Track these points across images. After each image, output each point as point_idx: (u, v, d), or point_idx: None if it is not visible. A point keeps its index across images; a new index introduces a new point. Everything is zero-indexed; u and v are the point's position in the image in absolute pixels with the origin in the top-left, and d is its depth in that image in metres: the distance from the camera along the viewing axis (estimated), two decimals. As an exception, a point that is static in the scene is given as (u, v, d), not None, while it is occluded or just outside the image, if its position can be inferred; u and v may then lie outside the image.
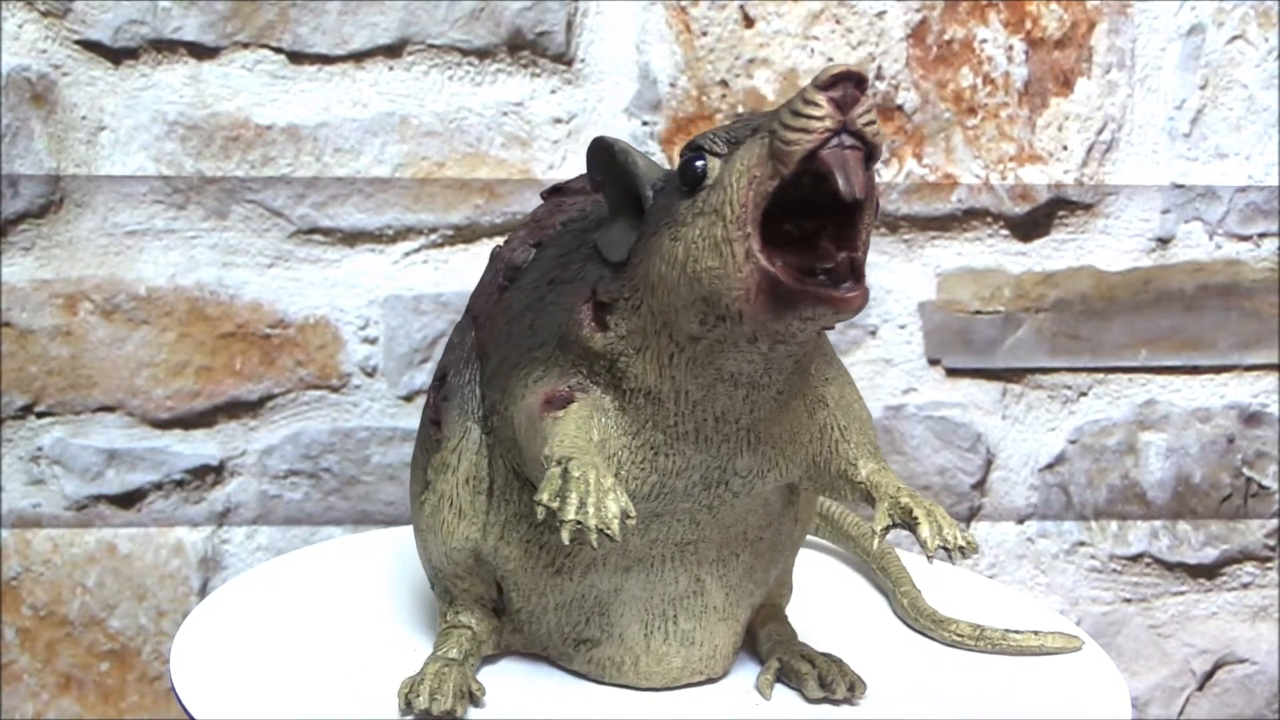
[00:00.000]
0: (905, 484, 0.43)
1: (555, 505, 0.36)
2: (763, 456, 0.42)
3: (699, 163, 0.38)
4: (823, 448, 0.43)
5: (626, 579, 0.44)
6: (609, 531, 0.36)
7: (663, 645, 0.45)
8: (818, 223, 0.37)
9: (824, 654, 0.47)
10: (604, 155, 0.41)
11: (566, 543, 0.36)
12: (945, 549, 0.40)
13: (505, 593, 0.46)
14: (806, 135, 0.35)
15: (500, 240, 0.55)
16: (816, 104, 0.35)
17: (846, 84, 0.35)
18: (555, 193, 0.48)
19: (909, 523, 0.41)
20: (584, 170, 0.45)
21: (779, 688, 0.47)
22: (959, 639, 0.51)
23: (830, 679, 0.45)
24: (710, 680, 0.47)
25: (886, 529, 0.41)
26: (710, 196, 0.38)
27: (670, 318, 0.39)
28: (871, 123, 0.36)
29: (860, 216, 0.37)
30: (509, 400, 0.43)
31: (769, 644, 0.48)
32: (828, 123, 0.35)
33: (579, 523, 0.36)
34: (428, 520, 0.46)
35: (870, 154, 0.36)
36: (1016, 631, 0.51)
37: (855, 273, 0.37)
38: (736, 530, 0.45)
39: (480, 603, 0.47)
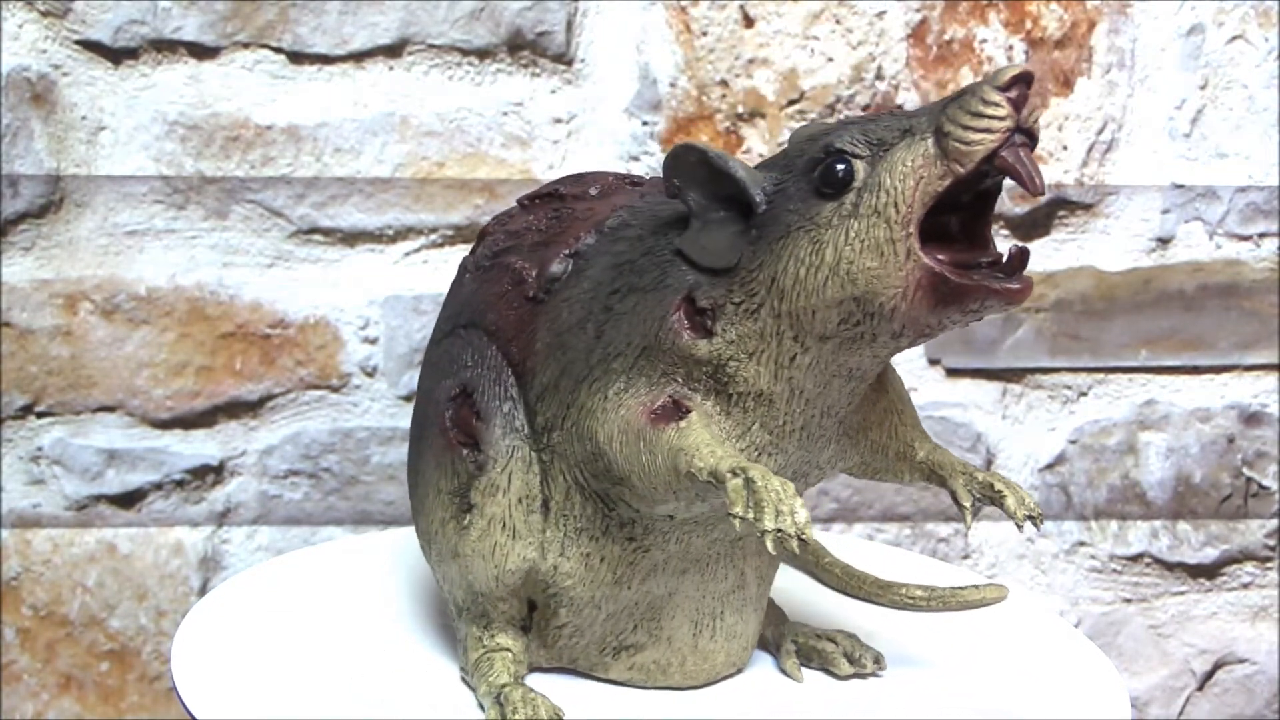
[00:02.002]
0: (961, 459, 0.44)
1: (751, 515, 0.37)
2: (841, 447, 0.43)
3: (841, 165, 0.38)
4: (882, 432, 0.44)
5: (682, 581, 0.45)
6: (804, 536, 0.36)
7: (709, 642, 0.46)
8: (948, 217, 0.38)
9: (838, 631, 0.48)
10: (692, 160, 0.40)
11: (771, 551, 0.36)
12: (1030, 517, 0.42)
13: (547, 609, 0.46)
14: (989, 135, 0.36)
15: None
16: (998, 104, 0.36)
17: (1021, 84, 0.36)
18: (546, 199, 0.47)
19: (992, 497, 0.42)
20: (583, 171, 0.45)
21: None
22: (910, 601, 0.53)
23: (857, 655, 0.47)
24: (738, 671, 0.48)
25: (975, 504, 0.43)
26: (866, 198, 0.38)
27: (803, 319, 0.39)
28: (1037, 120, 0.37)
29: (992, 209, 0.38)
30: (584, 415, 0.42)
31: (771, 628, 0.49)
32: (1008, 122, 0.36)
33: (779, 530, 0.36)
34: (474, 545, 0.44)
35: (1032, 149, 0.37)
36: (961, 588, 0.52)
37: (1022, 264, 0.38)
38: None
39: (512, 623, 0.46)
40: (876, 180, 0.38)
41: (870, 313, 0.38)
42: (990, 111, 0.36)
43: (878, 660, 0.48)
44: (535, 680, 0.47)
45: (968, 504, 0.43)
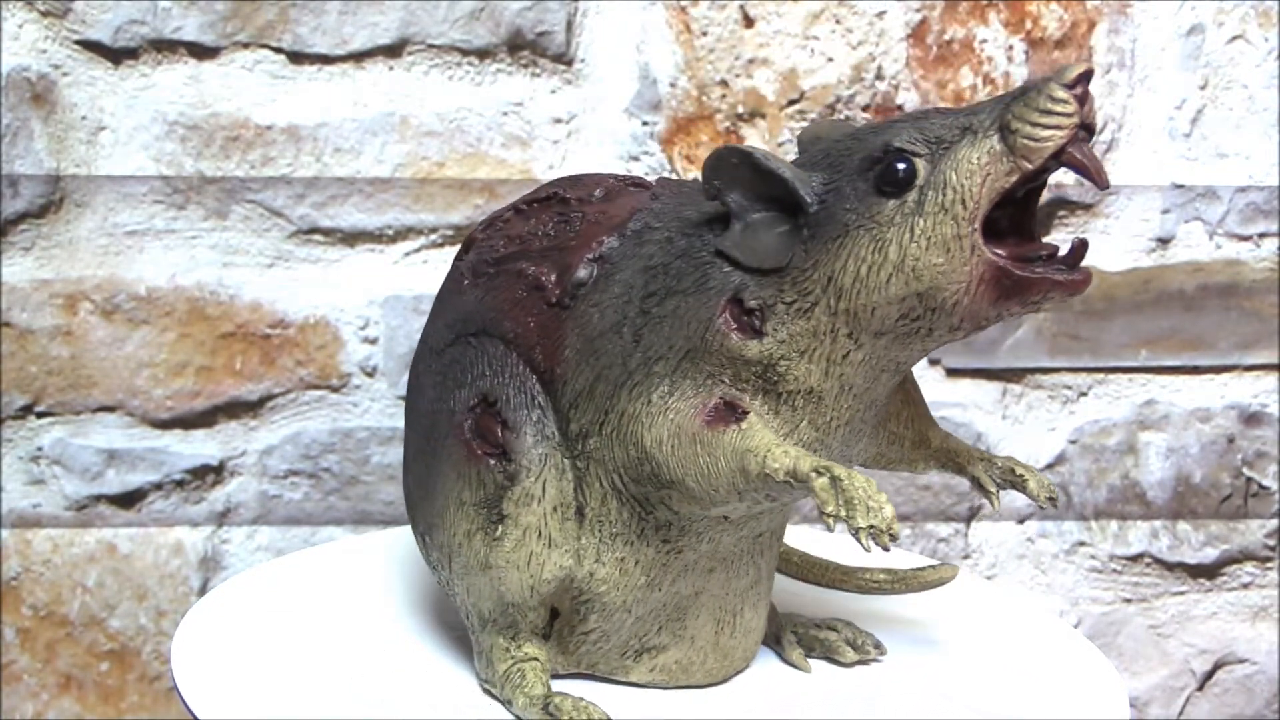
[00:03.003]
0: (973, 445, 0.46)
1: (844, 513, 0.38)
2: (869, 439, 0.44)
3: (902, 164, 0.39)
4: (900, 423, 0.45)
5: (709, 580, 0.45)
6: (894, 532, 0.38)
7: (729, 639, 0.46)
8: (997, 213, 0.39)
9: (836, 619, 0.49)
10: (734, 162, 0.41)
11: (866, 549, 0.37)
12: (1050, 498, 0.44)
13: (575, 615, 0.45)
14: (1059, 132, 0.37)
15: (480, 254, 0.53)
16: (1067, 101, 0.37)
17: (1083, 81, 0.37)
18: (545, 203, 0.46)
19: (1013, 481, 0.45)
20: (578, 173, 0.45)
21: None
22: (875, 585, 0.53)
23: (860, 641, 0.49)
24: (747, 666, 0.48)
25: (999, 489, 0.45)
26: (931, 196, 0.39)
27: (861, 316, 0.40)
28: (1094, 116, 0.38)
29: (1037, 203, 0.39)
30: (626, 420, 0.42)
31: (767, 621, 0.49)
32: (1076, 119, 0.37)
33: (873, 526, 0.37)
34: (508, 555, 0.44)
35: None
36: (919, 569, 0.53)
37: (1082, 255, 0.39)
38: (784, 513, 0.46)
39: (537, 632, 0.46)
40: (942, 178, 0.38)
41: (932, 308, 0.39)
42: (1059, 109, 0.37)
43: (878, 646, 0.49)
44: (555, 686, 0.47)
45: (993, 489, 0.45)
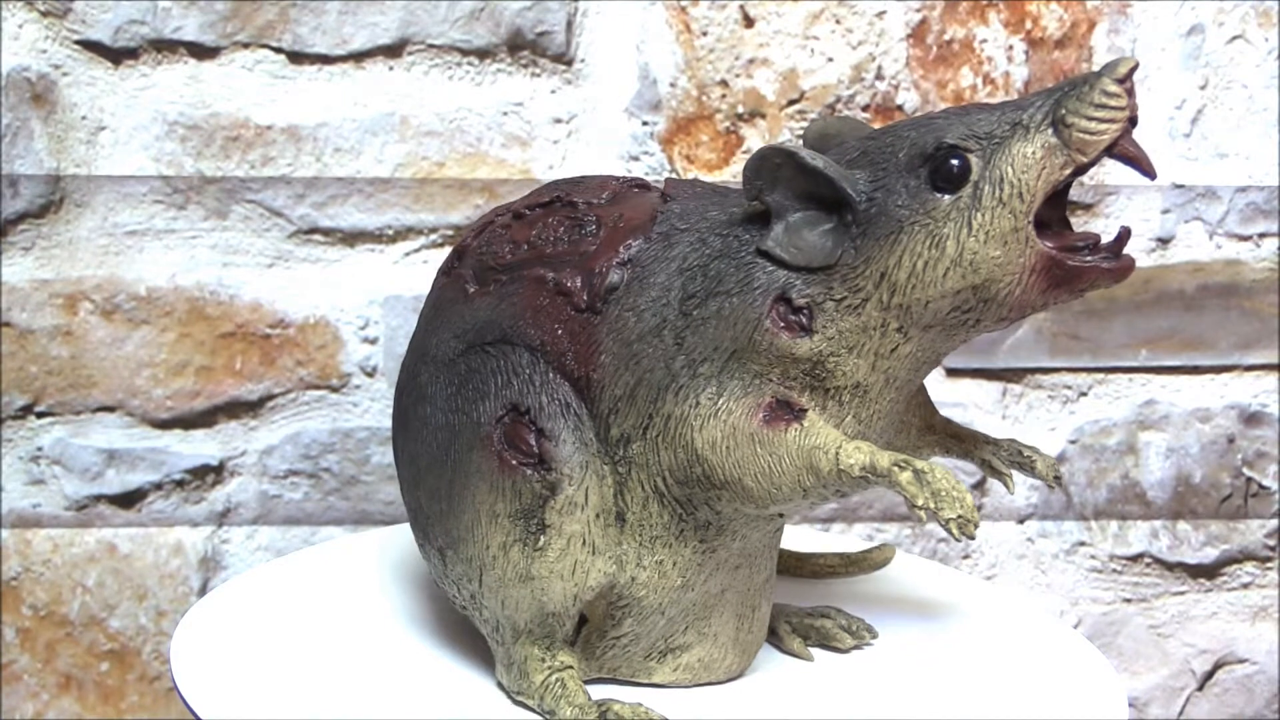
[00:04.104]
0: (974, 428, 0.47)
1: (934, 505, 0.39)
2: (894, 429, 0.45)
3: (956, 161, 0.40)
4: (909, 411, 0.46)
5: (734, 577, 0.45)
6: (976, 521, 0.39)
7: (748, 635, 0.47)
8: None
9: (828, 606, 0.50)
10: (776, 162, 0.41)
11: (957, 539, 0.39)
12: (1057, 477, 0.45)
13: (610, 619, 0.45)
14: (1113, 125, 0.39)
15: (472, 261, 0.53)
16: (1119, 95, 0.38)
17: (1132, 75, 0.39)
18: (548, 207, 0.46)
19: (1021, 463, 0.46)
20: (583, 172, 0.45)
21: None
22: (830, 569, 0.55)
23: (854, 627, 0.50)
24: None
25: (1010, 471, 0.46)
26: (988, 191, 0.39)
27: (914, 310, 0.40)
28: (1138, 107, 0.39)
29: (1068, 194, 0.41)
30: (673, 423, 0.42)
31: None
32: (1127, 112, 0.39)
33: (961, 516, 0.39)
34: (552, 566, 0.43)
35: None
36: (867, 551, 0.55)
37: (1125, 242, 0.40)
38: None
39: (568, 639, 0.45)
40: (998, 173, 0.39)
41: (986, 299, 0.40)
42: (1112, 102, 0.38)
43: (870, 629, 0.50)
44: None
45: (1006, 471, 0.46)
